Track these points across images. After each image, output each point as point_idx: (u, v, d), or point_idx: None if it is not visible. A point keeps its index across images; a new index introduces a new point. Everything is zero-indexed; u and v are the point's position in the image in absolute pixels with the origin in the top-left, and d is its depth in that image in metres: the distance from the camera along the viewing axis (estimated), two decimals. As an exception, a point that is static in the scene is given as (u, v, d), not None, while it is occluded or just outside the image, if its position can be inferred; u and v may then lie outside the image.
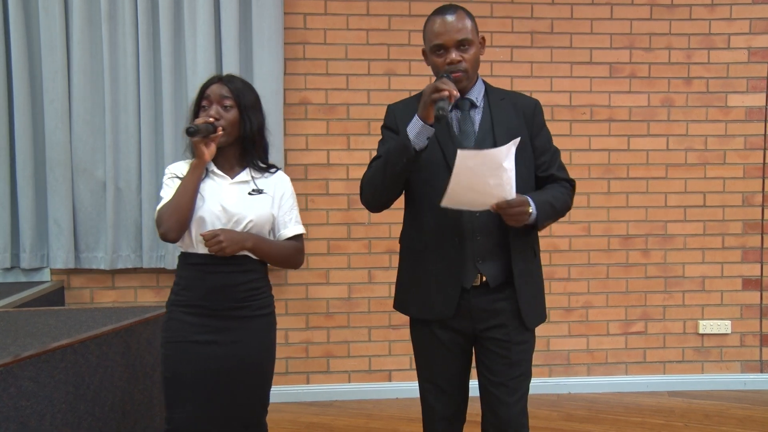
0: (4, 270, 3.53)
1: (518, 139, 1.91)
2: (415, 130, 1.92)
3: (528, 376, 2.16)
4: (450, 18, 2.01)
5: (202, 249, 2.02)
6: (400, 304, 2.23)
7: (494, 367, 2.10)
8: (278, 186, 2.15)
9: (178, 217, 1.99)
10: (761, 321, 3.95)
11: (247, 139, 2.10)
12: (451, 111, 2.06)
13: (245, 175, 2.12)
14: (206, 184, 2.07)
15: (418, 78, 3.75)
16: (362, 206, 3.79)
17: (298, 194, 3.64)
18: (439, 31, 2.01)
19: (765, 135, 3.89)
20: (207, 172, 2.08)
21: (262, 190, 2.11)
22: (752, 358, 3.96)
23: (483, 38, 2.14)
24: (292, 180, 3.64)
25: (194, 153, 2.03)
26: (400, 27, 3.73)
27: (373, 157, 2.14)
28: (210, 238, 1.96)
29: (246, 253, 2.06)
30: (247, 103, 2.08)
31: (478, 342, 2.14)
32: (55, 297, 3.46)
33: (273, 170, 2.18)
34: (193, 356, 2.03)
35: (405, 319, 3.78)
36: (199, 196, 2.03)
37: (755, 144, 3.89)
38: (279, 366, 3.73)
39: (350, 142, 3.74)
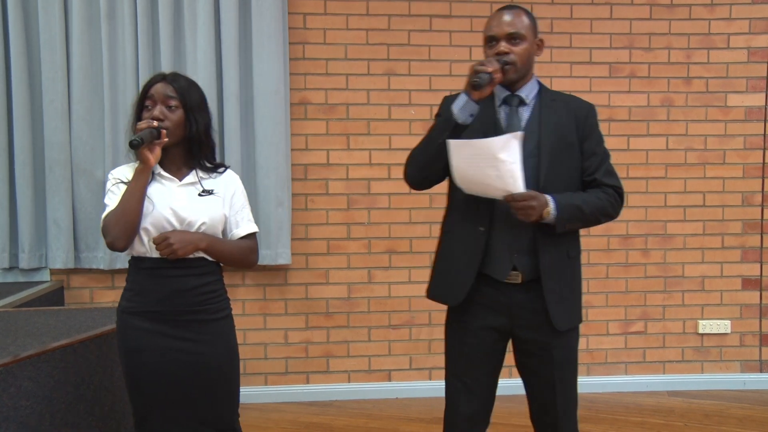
0: (3, 270, 3.53)
1: (520, 133, 1.91)
2: (460, 104, 1.97)
3: (574, 374, 2.16)
4: (506, 13, 2.07)
5: (156, 253, 1.95)
6: (430, 285, 2.25)
7: (537, 368, 2.12)
8: (228, 185, 2.09)
9: (125, 226, 1.91)
10: (761, 321, 3.95)
11: (193, 140, 2.03)
12: (500, 106, 2.10)
13: (193, 176, 2.05)
14: (154, 188, 2.00)
15: (418, 78, 3.75)
16: (362, 206, 3.84)
17: (297, 194, 3.71)
18: (493, 24, 2.07)
19: (764, 135, 3.89)
20: (153, 176, 2.01)
21: (212, 190, 2.04)
22: (752, 358, 3.96)
23: (541, 40, 2.14)
24: (292, 180, 3.69)
25: (138, 157, 1.94)
26: (399, 27, 3.73)
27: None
28: (160, 241, 1.90)
29: (201, 255, 2.00)
30: (193, 103, 2.02)
31: (518, 343, 2.14)
32: (54, 297, 3.46)
33: (221, 170, 2.11)
34: (155, 364, 1.96)
35: (404, 318, 3.81)
36: (147, 200, 1.97)
37: (755, 144, 3.89)
38: (279, 366, 3.75)
39: (350, 141, 3.74)
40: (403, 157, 3.70)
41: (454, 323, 2.20)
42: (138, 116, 2.01)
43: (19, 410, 1.86)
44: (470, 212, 2.07)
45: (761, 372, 3.96)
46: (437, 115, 2.19)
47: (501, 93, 2.10)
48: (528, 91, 2.11)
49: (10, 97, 3.45)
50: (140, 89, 2.04)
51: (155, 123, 1.93)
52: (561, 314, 2.07)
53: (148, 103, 2.00)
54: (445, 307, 3.99)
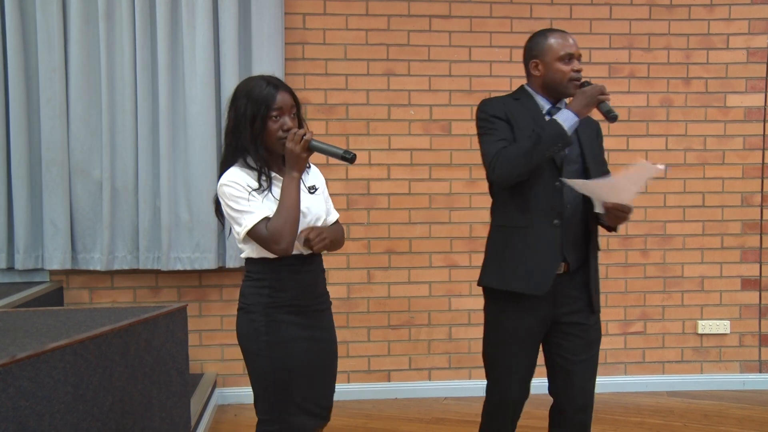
0: (0, 271, 3.51)
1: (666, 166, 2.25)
2: (570, 122, 2.18)
3: (598, 355, 2.42)
4: (570, 35, 2.32)
5: (295, 250, 2.07)
6: (494, 278, 2.36)
7: (574, 348, 2.33)
8: (318, 179, 2.25)
9: (296, 233, 2.02)
10: (760, 321, 3.95)
11: None
12: (545, 115, 2.32)
13: None
14: (277, 191, 2.06)
15: (417, 78, 3.75)
16: (361, 206, 3.83)
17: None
18: (569, 43, 2.29)
19: (764, 135, 3.89)
20: (271, 180, 2.07)
21: (315, 186, 2.18)
22: (751, 358, 3.96)
23: None
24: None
25: (292, 164, 2.01)
26: (399, 27, 3.73)
27: (497, 139, 2.28)
28: (316, 236, 2.05)
29: None
30: (300, 108, 2.13)
31: (558, 328, 2.33)
32: (53, 297, 3.45)
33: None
34: (299, 352, 2.09)
35: (404, 319, 3.81)
36: (276, 202, 2.05)
37: (754, 144, 3.89)
38: (278, 366, 3.74)
39: (349, 142, 3.73)
40: (402, 158, 3.76)
41: (506, 312, 2.34)
42: (263, 127, 2.02)
43: (18, 411, 1.85)
44: (541, 208, 2.27)
45: (760, 372, 3.97)
46: (492, 116, 2.32)
47: (545, 104, 2.34)
48: (563, 104, 2.35)
49: (7, 96, 3.43)
50: (252, 99, 2.03)
51: (311, 132, 2.03)
52: (597, 299, 2.36)
53: (276, 114, 2.03)
54: (445, 308, 3.98)
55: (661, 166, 2.23)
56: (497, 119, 2.32)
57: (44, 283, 3.49)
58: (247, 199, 2.01)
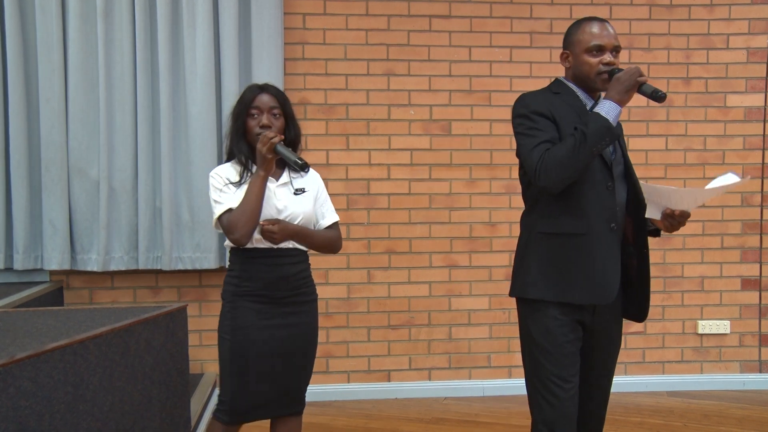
0: (0, 271, 3.51)
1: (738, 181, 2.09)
2: (613, 113, 2.02)
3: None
4: (609, 26, 2.15)
5: (261, 244, 2.22)
6: (546, 290, 2.14)
7: (606, 359, 2.26)
8: (314, 183, 2.37)
9: (252, 225, 2.15)
10: (760, 321, 3.95)
11: (290, 144, 2.29)
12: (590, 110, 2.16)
13: (286, 176, 2.31)
14: None
15: (418, 78, 3.75)
16: (361, 206, 3.83)
17: (297, 194, 3.71)
18: (601, 34, 2.12)
19: (764, 135, 3.89)
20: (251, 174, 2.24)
21: (303, 189, 2.30)
22: (751, 358, 3.96)
23: None
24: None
25: (264, 165, 2.16)
26: (399, 27, 3.73)
27: (540, 141, 2.06)
28: (273, 223, 2.17)
29: (296, 245, 2.27)
30: (290, 111, 2.31)
31: (593, 335, 2.20)
32: (54, 297, 3.45)
33: (306, 169, 2.35)
34: (259, 339, 2.23)
35: (404, 319, 3.81)
36: None
37: (754, 144, 3.89)
38: (278, 366, 3.74)
39: (349, 142, 3.74)
40: (402, 158, 3.76)
41: (555, 322, 2.14)
42: (243, 124, 2.25)
43: (18, 410, 1.85)
44: (598, 212, 2.11)
45: (760, 372, 3.97)
46: (535, 113, 2.10)
47: (587, 100, 2.18)
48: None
49: (6, 96, 3.43)
50: (239, 100, 2.28)
51: (280, 136, 2.18)
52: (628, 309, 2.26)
53: (254, 112, 2.25)
54: (445, 308, 3.97)
55: (738, 178, 2.08)
56: (541, 117, 2.09)
57: (44, 283, 3.49)
58: (221, 190, 2.22)
